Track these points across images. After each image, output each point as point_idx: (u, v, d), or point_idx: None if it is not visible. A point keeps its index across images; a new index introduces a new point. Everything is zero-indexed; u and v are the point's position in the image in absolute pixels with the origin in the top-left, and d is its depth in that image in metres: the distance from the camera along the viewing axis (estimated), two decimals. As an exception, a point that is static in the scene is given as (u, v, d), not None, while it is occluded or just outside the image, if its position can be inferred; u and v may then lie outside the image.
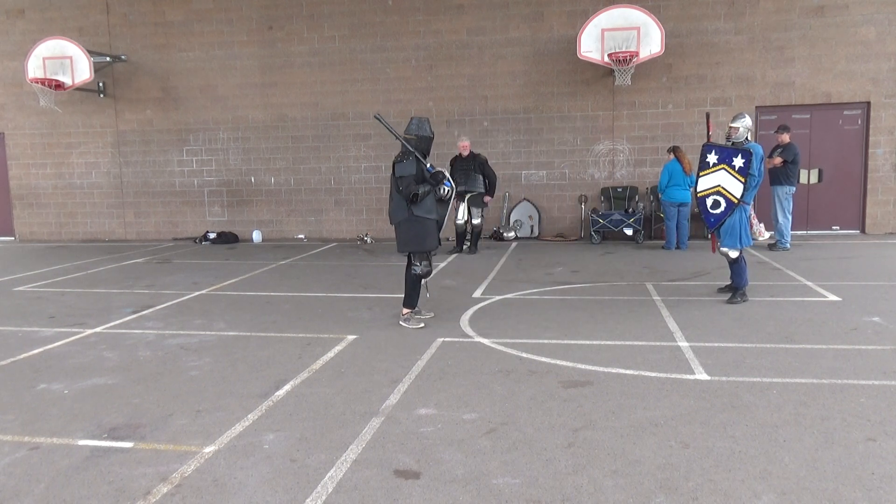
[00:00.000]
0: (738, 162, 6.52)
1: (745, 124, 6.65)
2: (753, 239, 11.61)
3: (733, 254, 6.67)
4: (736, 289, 6.77)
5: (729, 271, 6.95)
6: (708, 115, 7.37)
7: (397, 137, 5.98)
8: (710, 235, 6.83)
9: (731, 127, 6.74)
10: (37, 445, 3.68)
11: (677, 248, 10.96)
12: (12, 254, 12.62)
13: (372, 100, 13.22)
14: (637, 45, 11.36)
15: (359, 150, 13.48)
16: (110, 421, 4.00)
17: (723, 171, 6.62)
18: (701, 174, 6.86)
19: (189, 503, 3.02)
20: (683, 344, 5.31)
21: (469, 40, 12.84)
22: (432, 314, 6.41)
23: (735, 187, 6.54)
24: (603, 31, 11.46)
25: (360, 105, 13.31)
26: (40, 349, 5.67)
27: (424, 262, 6.05)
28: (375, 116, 6.27)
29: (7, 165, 14.81)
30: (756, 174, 6.60)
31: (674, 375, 4.56)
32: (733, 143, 6.70)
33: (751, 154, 6.51)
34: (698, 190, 6.88)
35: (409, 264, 6.20)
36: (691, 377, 4.52)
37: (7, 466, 3.43)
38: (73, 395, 4.48)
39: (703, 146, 6.92)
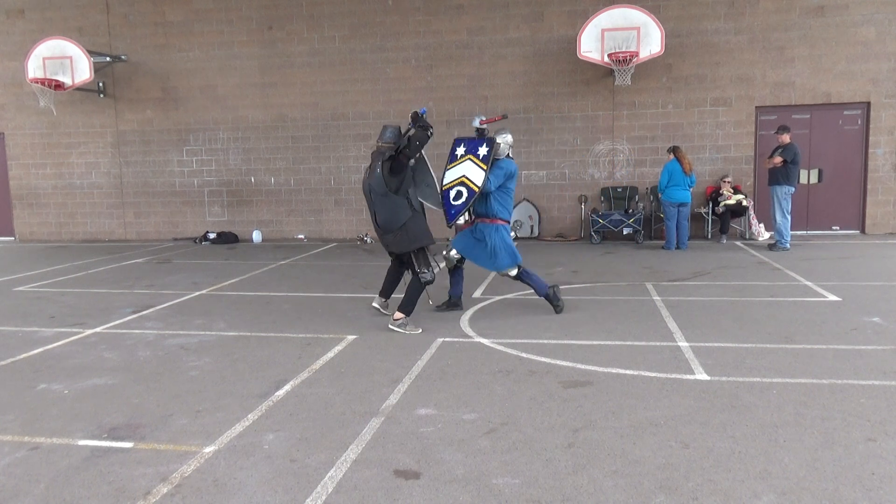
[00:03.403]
0: (483, 150, 6.41)
1: (506, 140, 6.49)
2: (753, 239, 11.67)
3: (512, 272, 6.49)
4: (547, 298, 6.52)
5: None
6: (505, 115, 7.20)
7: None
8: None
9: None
10: (37, 445, 3.68)
11: (677, 248, 10.96)
12: (12, 254, 12.62)
13: (372, 100, 13.21)
14: (637, 45, 11.35)
15: (359, 150, 13.46)
16: (110, 421, 4.00)
17: (468, 161, 6.47)
18: (448, 167, 6.65)
19: (189, 503, 3.02)
20: (683, 344, 5.32)
21: (469, 40, 12.84)
22: (420, 330, 6.03)
23: (477, 176, 6.36)
24: (603, 31, 11.46)
25: (360, 105, 13.30)
26: (40, 349, 5.67)
27: (432, 266, 6.04)
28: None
29: (7, 165, 14.81)
30: (499, 178, 6.38)
31: (674, 375, 4.56)
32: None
33: (493, 141, 6.37)
34: (444, 183, 6.61)
35: (400, 265, 6.24)
36: (691, 377, 4.52)
37: (7, 466, 3.43)
38: (73, 395, 4.48)
39: (455, 140, 6.78)
